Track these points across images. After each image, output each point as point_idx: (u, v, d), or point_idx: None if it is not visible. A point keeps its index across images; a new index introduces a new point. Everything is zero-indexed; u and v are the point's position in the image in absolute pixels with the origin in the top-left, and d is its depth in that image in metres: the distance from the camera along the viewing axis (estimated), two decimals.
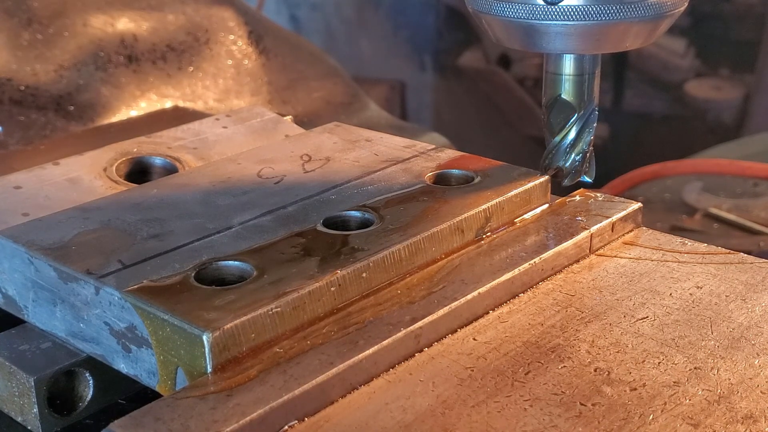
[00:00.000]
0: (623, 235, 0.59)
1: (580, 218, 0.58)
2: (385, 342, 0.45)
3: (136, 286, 0.47)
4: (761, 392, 0.44)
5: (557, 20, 0.55)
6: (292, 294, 0.46)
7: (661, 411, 0.42)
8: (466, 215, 0.55)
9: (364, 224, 0.54)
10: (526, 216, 0.58)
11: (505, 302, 0.51)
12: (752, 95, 2.28)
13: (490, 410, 0.42)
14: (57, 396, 0.50)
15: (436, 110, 2.62)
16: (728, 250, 0.57)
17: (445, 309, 0.48)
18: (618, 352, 0.47)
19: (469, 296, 0.49)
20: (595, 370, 0.45)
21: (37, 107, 0.97)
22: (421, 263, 0.52)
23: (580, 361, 0.46)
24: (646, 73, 2.41)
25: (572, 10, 0.54)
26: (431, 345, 0.47)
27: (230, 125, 0.73)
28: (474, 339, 0.48)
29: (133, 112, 1.02)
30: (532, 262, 0.53)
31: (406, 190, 0.58)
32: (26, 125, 0.95)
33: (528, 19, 0.55)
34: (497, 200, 0.57)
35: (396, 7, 2.61)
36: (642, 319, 0.50)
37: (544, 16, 0.55)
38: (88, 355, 0.50)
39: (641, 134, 2.41)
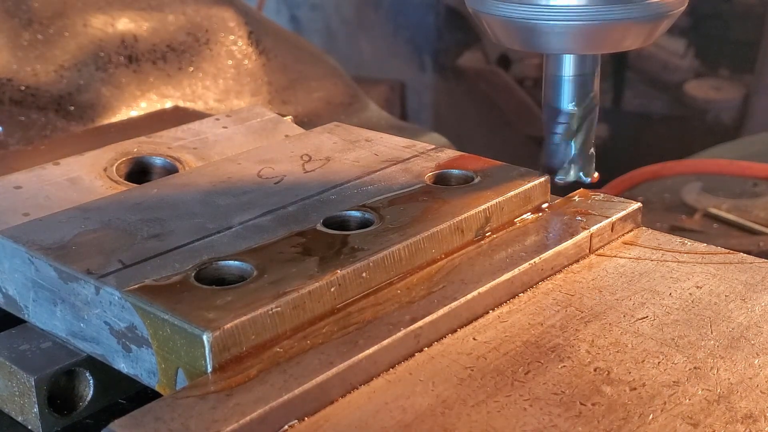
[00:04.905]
0: (623, 235, 0.59)
1: (579, 218, 0.58)
2: (385, 342, 0.45)
3: (136, 286, 0.47)
4: (761, 392, 0.44)
5: (557, 20, 0.55)
6: (292, 294, 0.46)
7: (661, 411, 0.42)
8: (466, 215, 0.55)
9: (364, 224, 0.54)
10: (525, 216, 0.58)
11: (505, 302, 0.51)
12: (752, 95, 2.28)
13: (489, 410, 0.42)
14: (57, 395, 0.50)
15: (436, 110, 2.62)
16: (728, 250, 0.57)
17: (445, 309, 0.48)
18: (618, 351, 0.47)
19: (469, 296, 0.49)
20: (595, 370, 0.45)
21: (37, 107, 0.97)
22: (421, 263, 0.52)
23: (580, 361, 0.46)
24: (646, 73, 2.41)
25: (572, 10, 0.54)
26: (431, 345, 0.47)
27: (230, 125, 0.73)
28: (474, 339, 0.48)
29: (134, 112, 1.02)
30: (531, 262, 0.53)
31: (406, 190, 0.58)
32: (26, 125, 0.95)
33: (528, 19, 0.55)
34: (497, 200, 0.57)
35: (396, 7, 2.61)
36: (642, 318, 0.50)
37: (543, 16, 0.55)
38: (88, 354, 0.50)
39: (641, 134, 2.40)
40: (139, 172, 0.67)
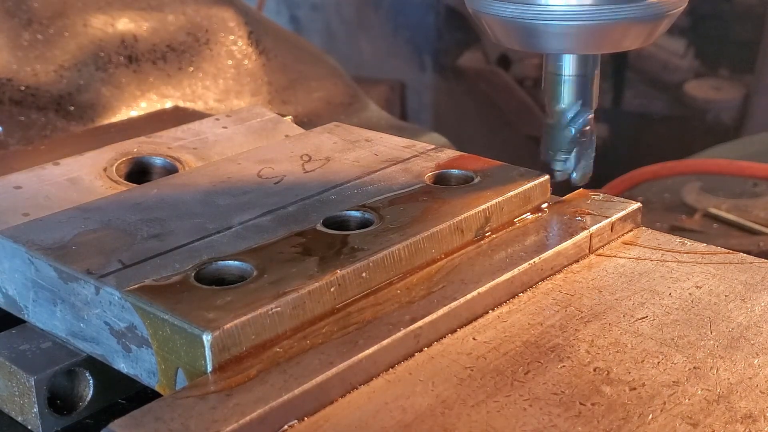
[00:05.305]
0: (623, 235, 0.59)
1: (579, 218, 0.58)
2: (384, 342, 0.45)
3: (136, 286, 0.47)
4: (760, 392, 0.44)
5: (557, 20, 0.55)
6: (292, 294, 0.46)
7: (661, 410, 0.42)
8: (465, 215, 0.55)
9: (364, 224, 0.54)
10: (525, 216, 0.58)
11: (505, 302, 0.51)
12: (752, 95, 2.28)
13: (489, 410, 0.42)
14: (57, 396, 0.50)
15: (436, 110, 2.62)
16: (727, 250, 0.57)
17: (445, 309, 0.48)
18: (617, 351, 0.47)
19: (468, 296, 0.49)
20: (595, 370, 0.45)
21: (37, 107, 0.97)
22: (421, 263, 0.52)
23: (580, 361, 0.46)
24: (646, 73, 2.41)
25: (572, 10, 0.54)
26: (431, 345, 0.47)
27: (230, 125, 0.73)
28: (474, 339, 0.48)
29: (133, 112, 1.02)
30: (531, 261, 0.53)
31: (406, 190, 0.58)
32: (26, 125, 0.95)
33: (528, 19, 0.55)
34: (497, 200, 0.57)
35: (396, 7, 2.61)
36: (641, 318, 0.50)
37: (544, 16, 0.55)
38: (88, 354, 0.50)
39: (641, 134, 2.40)
40: (139, 172, 0.67)
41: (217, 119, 0.74)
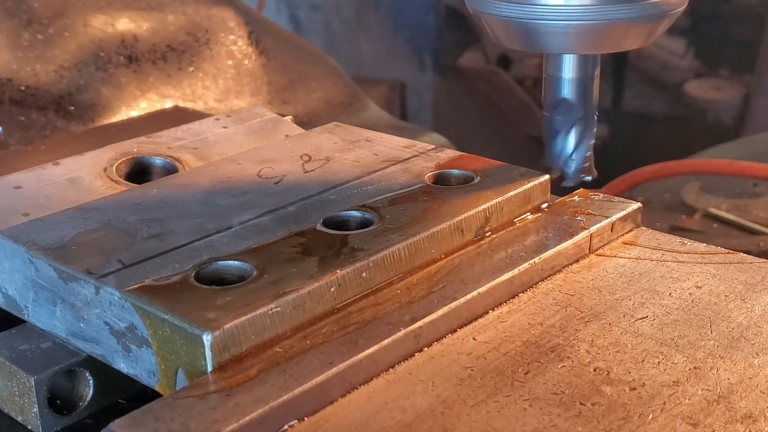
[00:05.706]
0: (623, 235, 0.59)
1: (579, 218, 0.58)
2: (384, 342, 0.45)
3: (136, 286, 0.47)
4: (760, 392, 0.44)
5: (557, 20, 0.55)
6: (292, 294, 0.46)
7: (661, 410, 0.42)
8: (465, 215, 0.55)
9: (364, 224, 0.54)
10: (525, 216, 0.58)
11: (505, 302, 0.51)
12: (752, 95, 2.28)
13: (489, 410, 0.42)
14: (57, 395, 0.50)
15: (436, 110, 2.62)
16: (728, 250, 0.57)
17: (445, 309, 0.48)
18: (617, 351, 0.47)
19: (468, 296, 0.49)
20: (595, 370, 0.45)
21: (37, 107, 0.97)
22: (421, 263, 0.52)
23: (580, 361, 0.46)
24: (646, 73, 2.41)
25: (572, 10, 0.54)
26: (431, 345, 0.47)
27: (230, 125, 0.73)
28: (474, 339, 0.48)
29: (133, 112, 1.02)
30: (531, 261, 0.53)
31: (406, 190, 0.58)
32: (26, 125, 0.95)
33: (528, 19, 0.55)
34: (497, 200, 0.57)
35: (396, 7, 2.61)
36: (641, 318, 0.50)
37: (544, 16, 0.55)
38: (88, 354, 0.50)
39: (641, 134, 2.40)
40: (139, 172, 0.67)
41: (217, 119, 0.74)
